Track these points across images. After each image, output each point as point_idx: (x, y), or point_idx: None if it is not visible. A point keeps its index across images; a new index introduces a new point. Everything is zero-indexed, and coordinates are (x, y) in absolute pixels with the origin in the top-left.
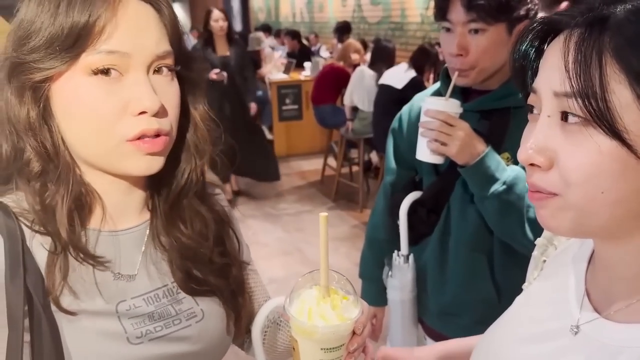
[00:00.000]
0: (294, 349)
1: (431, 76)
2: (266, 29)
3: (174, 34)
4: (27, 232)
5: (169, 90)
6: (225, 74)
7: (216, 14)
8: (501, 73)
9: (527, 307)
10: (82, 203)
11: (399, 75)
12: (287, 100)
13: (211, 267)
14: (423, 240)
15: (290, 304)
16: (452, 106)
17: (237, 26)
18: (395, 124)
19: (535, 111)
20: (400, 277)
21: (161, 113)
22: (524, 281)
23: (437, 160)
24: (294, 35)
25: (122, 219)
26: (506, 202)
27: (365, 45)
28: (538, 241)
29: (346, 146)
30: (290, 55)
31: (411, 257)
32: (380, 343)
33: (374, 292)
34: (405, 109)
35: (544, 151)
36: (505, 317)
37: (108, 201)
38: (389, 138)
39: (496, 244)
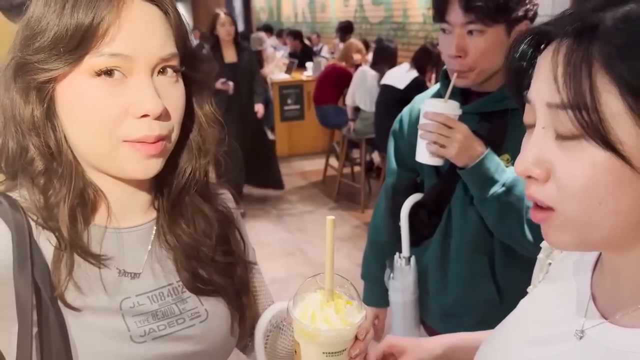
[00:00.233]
0: (295, 352)
1: (433, 76)
2: (268, 29)
3: (180, 35)
4: (35, 226)
5: (173, 92)
6: (231, 83)
7: (223, 18)
8: (500, 74)
9: (532, 311)
10: (85, 201)
11: (400, 75)
12: (289, 101)
13: (215, 266)
14: (424, 242)
15: (294, 306)
16: (451, 108)
17: (240, 26)
18: (396, 125)
19: (530, 121)
20: (401, 279)
21: (164, 116)
22: (525, 283)
23: (436, 162)
24: (296, 35)
25: (127, 217)
26: (505, 203)
27: (367, 45)
28: (543, 244)
29: (348, 146)
30: (292, 55)
31: (413, 259)
32: None
33: (377, 294)
34: (405, 110)
35: (541, 163)
36: (510, 319)
37: (113, 200)
38: (390, 139)
39: (497, 245)
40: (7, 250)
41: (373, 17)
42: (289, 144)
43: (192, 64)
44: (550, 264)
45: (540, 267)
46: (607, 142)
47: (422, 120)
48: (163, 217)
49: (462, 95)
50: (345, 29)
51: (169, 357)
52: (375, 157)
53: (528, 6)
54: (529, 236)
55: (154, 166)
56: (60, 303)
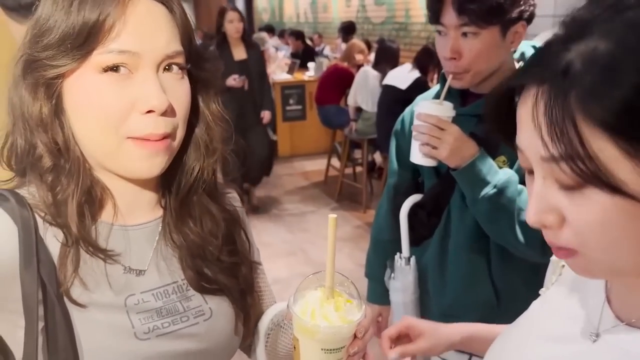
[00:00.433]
0: (294, 348)
1: (435, 77)
2: (270, 29)
3: (185, 33)
4: (41, 223)
5: (178, 89)
6: (244, 78)
7: (231, 14)
8: (497, 76)
9: (545, 312)
10: (93, 197)
11: (403, 75)
12: (291, 101)
13: (220, 266)
14: (424, 242)
15: (294, 303)
16: (444, 110)
17: None
18: (397, 126)
19: (526, 165)
20: (402, 279)
21: (169, 112)
22: (522, 284)
23: (429, 162)
24: (298, 35)
25: (134, 215)
26: (497, 205)
27: (369, 45)
28: None
29: (350, 147)
30: (294, 55)
31: (413, 259)
32: None
33: (380, 292)
34: (407, 110)
35: (551, 211)
36: (521, 320)
37: (119, 197)
38: (392, 140)
39: (493, 247)
40: (13, 246)
41: (375, 17)
42: (291, 144)
43: (197, 62)
44: (563, 266)
45: (553, 270)
46: (611, 187)
47: (415, 122)
48: (170, 216)
49: (461, 97)
50: (348, 29)
51: (172, 355)
52: (377, 157)
53: (523, 7)
54: (521, 238)
55: (159, 164)
56: (66, 299)
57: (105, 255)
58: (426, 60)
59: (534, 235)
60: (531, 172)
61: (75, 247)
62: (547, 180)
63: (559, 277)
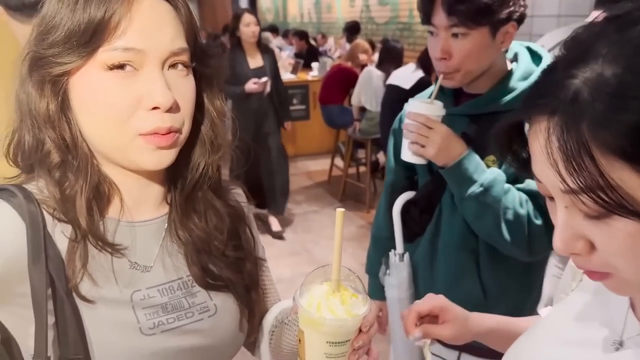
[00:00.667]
0: (300, 340)
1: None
2: (274, 29)
3: (190, 30)
4: (49, 219)
5: (183, 86)
6: (265, 79)
7: (248, 17)
8: (489, 76)
9: (566, 318)
10: (101, 193)
11: (406, 75)
12: (295, 101)
13: (226, 261)
14: (417, 239)
15: (301, 296)
16: (433, 109)
17: None
18: (395, 124)
19: (546, 193)
20: (396, 275)
21: (174, 108)
22: (509, 282)
23: (418, 160)
24: (302, 35)
25: (140, 211)
26: (483, 203)
27: (372, 45)
28: None
29: (353, 146)
30: (297, 55)
31: (406, 255)
32: (386, 338)
33: (380, 288)
34: (404, 109)
35: (578, 238)
36: (541, 325)
37: (126, 193)
38: (390, 138)
39: (482, 245)
40: (22, 243)
41: (379, 17)
42: (295, 144)
43: (202, 59)
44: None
45: (573, 275)
46: (637, 214)
47: (405, 120)
48: (175, 212)
49: (454, 97)
50: (352, 29)
51: (177, 350)
52: (381, 157)
53: (512, 8)
54: (507, 236)
55: (166, 157)
56: (74, 294)
57: (112, 249)
58: (430, 60)
59: (520, 234)
60: (552, 198)
61: (84, 242)
62: (570, 209)
63: (579, 283)
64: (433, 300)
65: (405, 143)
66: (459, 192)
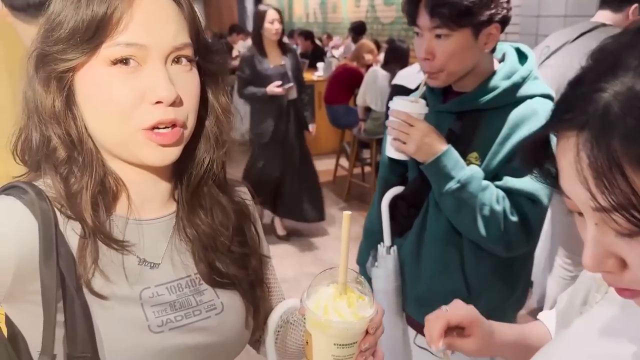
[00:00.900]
0: (307, 342)
1: None
2: None
3: (193, 26)
4: (60, 216)
5: (187, 81)
6: (292, 84)
7: (272, 13)
8: (475, 75)
9: (591, 331)
10: (107, 189)
11: (412, 75)
12: None
13: (231, 257)
14: (406, 233)
15: (307, 298)
16: (416, 107)
17: (250, 26)
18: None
19: (574, 208)
20: (384, 267)
21: (178, 103)
22: (493, 278)
23: (400, 156)
24: (307, 35)
25: (148, 209)
26: (459, 199)
27: (378, 45)
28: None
29: (358, 146)
30: (303, 55)
31: (394, 248)
32: None
33: (367, 279)
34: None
35: (609, 256)
36: (565, 337)
37: (133, 190)
38: (385, 134)
39: (466, 241)
40: (33, 240)
41: (384, 17)
42: None
43: (206, 55)
44: None
45: (598, 287)
46: None
47: (390, 118)
48: (182, 209)
49: (444, 95)
50: (358, 29)
51: (183, 348)
52: None
53: (494, 10)
54: (482, 231)
55: (171, 153)
56: (86, 291)
57: (119, 245)
58: None
59: (495, 230)
60: (581, 213)
61: (93, 239)
62: (600, 226)
63: (605, 295)
64: (464, 312)
65: (388, 139)
66: (437, 188)
